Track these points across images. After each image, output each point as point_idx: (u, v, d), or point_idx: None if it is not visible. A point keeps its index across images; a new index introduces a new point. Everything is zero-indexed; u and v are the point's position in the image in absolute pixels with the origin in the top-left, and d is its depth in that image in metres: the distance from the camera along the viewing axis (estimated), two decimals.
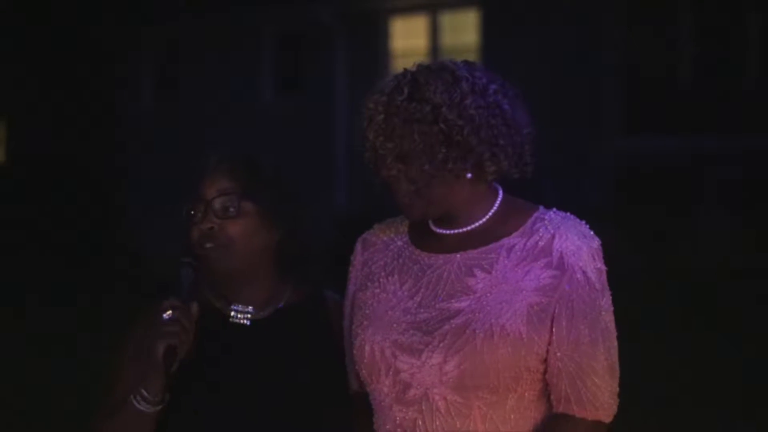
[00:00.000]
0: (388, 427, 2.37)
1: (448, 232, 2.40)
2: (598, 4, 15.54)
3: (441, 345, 2.30)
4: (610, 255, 2.40)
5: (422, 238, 2.44)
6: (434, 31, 17.16)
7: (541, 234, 2.34)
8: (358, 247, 2.54)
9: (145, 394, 2.40)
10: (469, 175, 2.33)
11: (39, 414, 7.85)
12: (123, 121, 19.28)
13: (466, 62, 2.37)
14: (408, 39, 17.35)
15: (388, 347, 2.35)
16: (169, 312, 2.41)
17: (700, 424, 7.25)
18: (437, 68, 2.34)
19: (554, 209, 2.40)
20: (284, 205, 2.55)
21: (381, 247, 2.50)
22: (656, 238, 14.14)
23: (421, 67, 2.35)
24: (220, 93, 18.53)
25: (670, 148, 15.30)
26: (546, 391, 2.34)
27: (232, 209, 2.50)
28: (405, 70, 2.37)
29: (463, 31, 16.90)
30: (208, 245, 2.49)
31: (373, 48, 17.47)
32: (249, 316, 2.55)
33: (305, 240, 2.58)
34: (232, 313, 2.56)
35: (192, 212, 2.52)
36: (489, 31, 16.51)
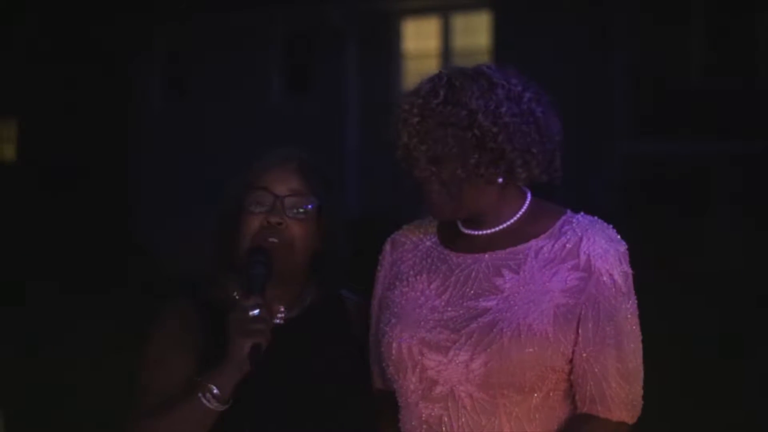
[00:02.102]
0: (413, 423, 2.41)
1: (476, 232, 2.44)
2: (610, 6, 15.54)
3: (468, 343, 2.33)
4: None
5: (451, 239, 2.47)
6: (446, 33, 17.17)
7: (568, 237, 2.37)
8: (387, 247, 2.57)
9: (216, 391, 2.38)
10: (500, 180, 2.36)
11: (45, 414, 7.86)
12: (133, 122, 19.32)
13: (501, 68, 2.40)
14: (420, 40, 17.37)
15: (416, 344, 2.38)
16: (257, 309, 2.40)
17: (706, 427, 7.26)
18: (474, 73, 2.36)
19: (582, 213, 2.43)
20: (337, 209, 2.59)
21: (410, 247, 2.52)
22: (666, 241, 14.13)
23: (456, 71, 2.38)
24: (230, 93, 18.55)
25: (681, 151, 15.29)
26: (571, 392, 2.37)
27: (302, 210, 2.52)
28: (440, 72, 2.39)
29: (475, 33, 16.92)
30: (272, 240, 2.50)
31: (385, 49, 17.49)
32: (281, 315, 2.57)
33: (342, 242, 2.60)
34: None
35: (256, 204, 2.52)
36: (501, 32, 16.52)
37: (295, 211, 2.52)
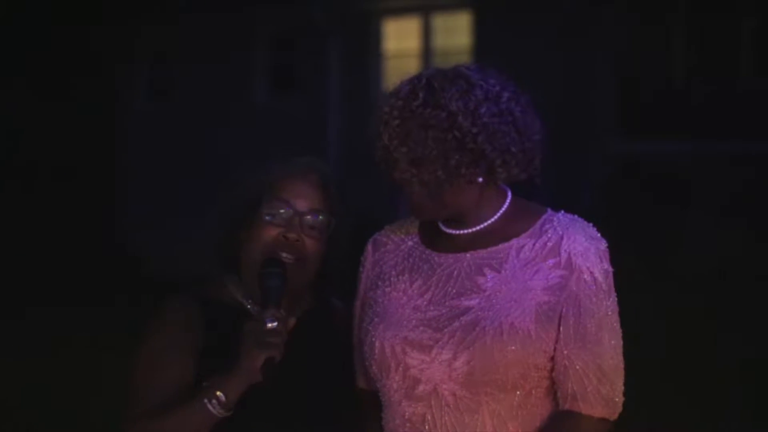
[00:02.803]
0: (397, 422, 2.42)
1: (458, 232, 2.45)
2: (593, 5, 15.57)
3: (451, 341, 2.35)
4: None
5: (432, 239, 2.49)
6: (427, 33, 17.18)
7: (549, 235, 2.39)
8: (369, 248, 2.58)
9: (222, 398, 2.36)
10: (480, 179, 2.37)
11: (35, 415, 7.84)
12: (118, 122, 19.27)
13: (479, 68, 2.41)
14: (401, 40, 17.38)
15: (399, 344, 2.39)
16: (275, 322, 2.38)
17: (691, 424, 7.30)
18: (452, 74, 2.37)
19: (562, 212, 2.45)
20: (348, 223, 2.58)
21: (392, 248, 2.54)
22: (650, 241, 14.18)
23: (435, 72, 2.39)
24: (214, 94, 18.53)
25: (665, 151, 15.34)
26: (553, 389, 2.39)
27: (320, 230, 2.52)
28: (420, 74, 2.40)
29: (456, 33, 16.94)
30: (287, 256, 2.48)
31: (366, 49, 17.50)
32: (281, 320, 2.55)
33: (343, 257, 2.61)
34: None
35: (275, 215, 2.50)
36: (482, 33, 16.54)
37: (313, 229, 2.52)
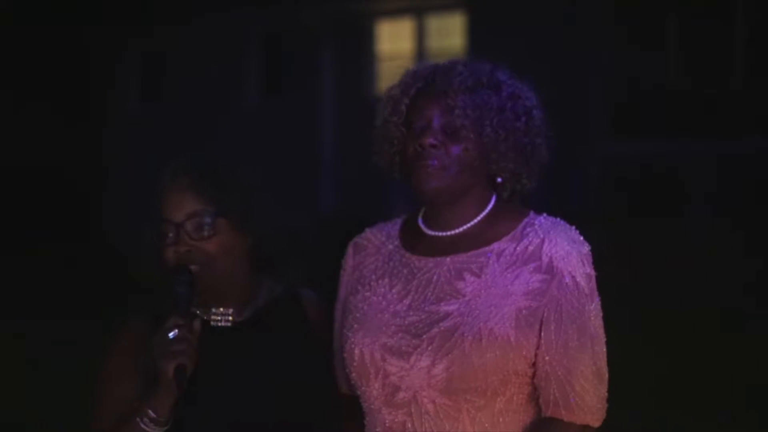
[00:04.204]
0: (378, 429, 2.39)
1: (439, 234, 2.42)
2: (584, 6, 15.57)
3: (429, 348, 2.31)
4: (595, 259, 2.40)
5: (413, 242, 2.45)
6: (420, 34, 17.17)
7: (530, 239, 2.35)
8: (350, 250, 2.55)
9: (152, 415, 2.35)
10: (499, 179, 2.40)
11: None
12: (109, 123, 19.24)
13: (527, 84, 2.46)
14: (394, 42, 17.37)
15: (378, 350, 2.36)
16: (175, 331, 2.36)
17: (675, 429, 7.28)
18: (516, 77, 2.44)
19: (545, 214, 2.42)
20: (253, 210, 2.50)
21: (372, 251, 2.51)
22: (642, 242, 14.17)
23: (498, 68, 2.44)
24: (206, 95, 18.52)
25: (657, 151, 15.33)
26: (535, 395, 2.35)
27: (206, 230, 2.45)
28: (483, 61, 2.45)
29: (450, 34, 16.93)
30: (190, 266, 2.44)
31: (360, 51, 17.48)
32: (230, 319, 2.54)
33: (278, 239, 2.54)
34: (213, 318, 2.53)
35: (162, 235, 2.46)
36: (475, 34, 16.53)
37: (198, 233, 2.45)
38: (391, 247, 2.48)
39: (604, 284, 2.40)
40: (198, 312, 2.53)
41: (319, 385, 2.52)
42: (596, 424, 2.34)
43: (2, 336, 10.70)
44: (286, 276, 2.60)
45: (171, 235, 2.45)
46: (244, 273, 2.52)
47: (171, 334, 2.35)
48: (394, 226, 2.51)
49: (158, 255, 2.48)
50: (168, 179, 2.49)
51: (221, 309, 2.53)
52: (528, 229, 2.37)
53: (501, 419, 2.32)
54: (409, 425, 2.34)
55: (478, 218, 2.40)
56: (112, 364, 2.49)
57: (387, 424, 2.36)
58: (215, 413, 2.45)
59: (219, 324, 2.53)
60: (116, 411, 2.42)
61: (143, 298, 2.56)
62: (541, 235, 2.35)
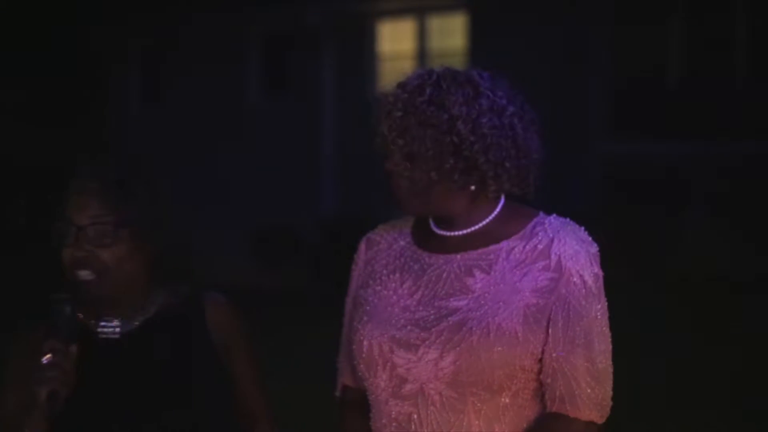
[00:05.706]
0: (383, 421, 2.42)
1: (449, 233, 2.46)
2: (584, 6, 15.60)
3: (438, 341, 2.35)
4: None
5: (425, 239, 2.49)
6: (422, 35, 17.20)
7: (540, 238, 2.40)
8: (362, 246, 2.59)
9: None
10: (472, 188, 2.39)
11: None
12: (110, 124, 19.25)
13: (491, 77, 2.42)
14: (396, 42, 17.40)
15: (386, 342, 2.40)
16: (49, 356, 2.31)
17: (679, 426, 7.30)
18: (462, 79, 2.37)
19: (554, 215, 2.46)
20: (159, 223, 2.46)
21: (384, 247, 2.55)
22: (642, 241, 14.19)
23: (447, 72, 2.39)
24: (207, 95, 18.54)
25: (657, 151, 15.35)
26: (540, 391, 2.39)
27: (107, 238, 2.41)
28: (432, 70, 2.40)
29: (451, 35, 16.96)
30: (83, 273, 2.41)
31: (361, 51, 17.51)
32: (117, 331, 2.50)
33: (181, 250, 2.50)
34: (100, 329, 2.49)
35: (62, 235, 2.42)
36: (476, 34, 16.56)
37: (99, 240, 2.40)
38: (402, 243, 2.52)
39: (603, 284, 2.44)
40: (86, 322, 2.48)
41: (203, 387, 2.48)
42: (600, 420, 2.38)
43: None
44: (186, 281, 2.55)
45: (71, 237, 2.41)
46: (140, 282, 2.48)
47: (44, 360, 2.31)
48: (407, 223, 2.55)
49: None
50: (79, 180, 2.45)
51: (112, 321, 2.49)
52: (538, 229, 2.41)
53: (506, 413, 2.36)
54: (415, 416, 2.37)
55: (487, 220, 2.44)
56: (8, 372, 2.47)
57: (393, 416, 2.40)
58: (90, 426, 2.42)
59: (106, 335, 2.49)
60: (10, 420, 2.40)
61: (30, 319, 2.51)
62: (551, 235, 2.39)
